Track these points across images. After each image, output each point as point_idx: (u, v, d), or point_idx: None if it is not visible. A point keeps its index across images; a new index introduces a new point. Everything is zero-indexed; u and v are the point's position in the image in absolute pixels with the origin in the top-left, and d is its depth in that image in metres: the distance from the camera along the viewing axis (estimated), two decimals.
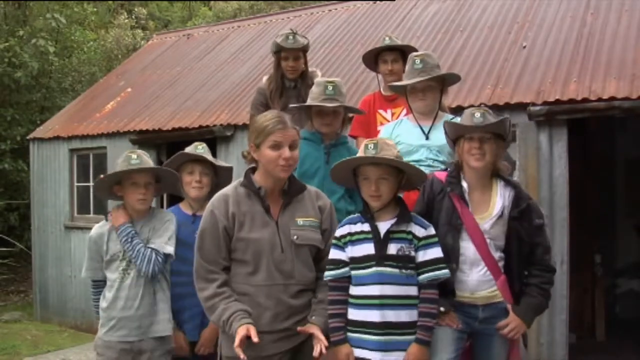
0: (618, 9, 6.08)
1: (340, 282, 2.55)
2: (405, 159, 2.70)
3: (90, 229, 3.13)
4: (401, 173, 2.55)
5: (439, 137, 3.02)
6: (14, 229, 10.63)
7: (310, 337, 2.51)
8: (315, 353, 2.42)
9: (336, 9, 8.99)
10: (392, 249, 2.49)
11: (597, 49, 5.59)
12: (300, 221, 2.58)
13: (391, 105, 3.79)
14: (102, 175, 3.10)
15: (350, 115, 3.83)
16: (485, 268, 2.62)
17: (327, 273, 2.55)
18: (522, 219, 2.64)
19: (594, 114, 5.08)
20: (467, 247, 2.62)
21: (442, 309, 2.57)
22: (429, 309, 2.49)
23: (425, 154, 3.15)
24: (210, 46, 9.49)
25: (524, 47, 6.06)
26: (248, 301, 2.52)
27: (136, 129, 7.56)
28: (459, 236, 2.62)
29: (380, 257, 2.48)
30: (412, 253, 2.50)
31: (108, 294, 2.99)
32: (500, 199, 2.65)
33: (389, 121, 3.68)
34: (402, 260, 2.48)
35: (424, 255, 2.51)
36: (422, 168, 2.77)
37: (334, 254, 2.57)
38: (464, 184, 2.66)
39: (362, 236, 2.54)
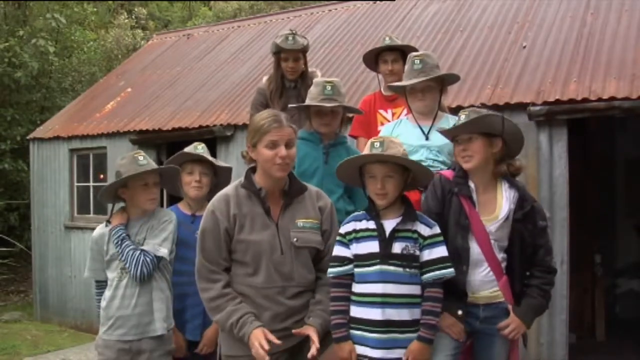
0: (618, 9, 6.08)
1: (344, 279, 2.55)
2: None
3: (90, 228, 3.14)
4: (407, 171, 2.55)
5: (438, 137, 3.02)
6: (14, 229, 10.63)
7: (309, 336, 2.51)
8: (309, 355, 2.42)
9: (336, 9, 8.99)
10: (397, 247, 2.49)
11: (597, 49, 5.59)
12: (300, 223, 2.58)
13: (392, 105, 3.79)
14: (107, 176, 3.09)
15: (351, 115, 3.84)
16: (489, 268, 2.63)
17: (330, 270, 2.55)
18: (527, 221, 2.65)
19: (594, 114, 5.07)
20: (472, 248, 2.62)
21: (459, 312, 2.59)
22: (433, 307, 2.49)
23: (425, 154, 3.16)
24: (210, 46, 9.49)
25: (524, 47, 6.06)
26: (247, 302, 2.52)
27: (136, 129, 7.56)
28: (467, 237, 2.62)
29: (385, 256, 2.48)
30: (417, 252, 2.50)
31: (107, 293, 3.00)
32: (506, 201, 2.65)
33: (389, 121, 3.69)
34: (407, 259, 2.49)
35: (429, 254, 2.51)
36: None
37: (338, 250, 2.56)
38: (471, 185, 2.67)
39: (367, 234, 2.54)
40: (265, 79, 4.11)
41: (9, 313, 8.76)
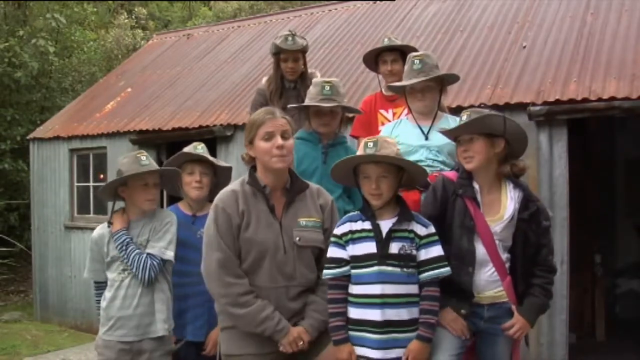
0: (618, 9, 6.08)
1: (341, 280, 2.54)
2: None
3: (90, 228, 3.15)
4: (401, 171, 2.55)
5: (438, 137, 3.02)
6: (14, 229, 10.63)
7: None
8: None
9: (336, 9, 8.99)
10: (394, 248, 2.49)
11: (597, 49, 5.59)
12: (302, 222, 2.57)
13: (392, 105, 3.80)
14: (107, 175, 3.10)
15: (351, 115, 3.84)
16: (494, 269, 2.63)
17: (326, 272, 2.54)
18: (531, 221, 2.65)
19: (594, 114, 5.07)
20: (478, 248, 2.63)
21: (463, 311, 2.59)
22: (431, 306, 2.49)
23: (425, 154, 3.15)
24: (210, 46, 9.49)
25: (524, 47, 6.06)
26: None
27: (136, 129, 7.56)
28: (472, 238, 2.62)
29: (382, 256, 2.48)
30: (414, 252, 2.50)
31: (107, 293, 3.00)
32: (511, 202, 2.65)
33: (390, 121, 3.69)
34: (404, 259, 2.48)
35: (426, 254, 2.51)
36: None
37: (334, 252, 2.54)
38: (476, 186, 2.66)
39: (363, 234, 2.53)
40: (264, 79, 4.11)
41: (9, 313, 8.76)
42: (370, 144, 2.50)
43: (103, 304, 3.01)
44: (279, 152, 2.49)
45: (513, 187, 2.69)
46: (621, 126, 6.89)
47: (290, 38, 3.82)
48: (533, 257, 2.68)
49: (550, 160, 5.15)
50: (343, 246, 2.54)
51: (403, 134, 3.19)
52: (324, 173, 3.17)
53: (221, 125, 6.83)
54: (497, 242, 2.63)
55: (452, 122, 3.09)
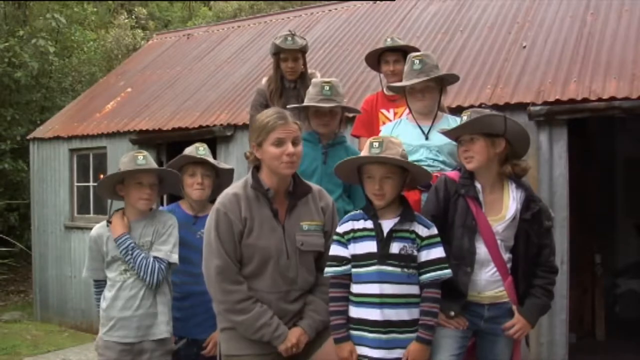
0: (618, 9, 6.08)
1: (342, 279, 2.54)
2: None
3: (90, 229, 3.13)
4: (406, 172, 2.54)
5: (438, 137, 3.02)
6: (14, 229, 10.63)
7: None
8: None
9: (336, 9, 8.99)
10: (395, 247, 2.48)
11: (597, 49, 5.59)
12: (305, 226, 2.56)
13: (394, 105, 3.80)
14: (106, 174, 3.10)
15: (351, 115, 3.84)
16: (495, 269, 2.63)
17: (328, 270, 2.54)
18: (533, 221, 2.65)
19: (594, 114, 5.07)
20: (479, 248, 2.62)
21: (451, 313, 2.58)
22: (431, 308, 2.49)
23: (425, 153, 3.16)
24: (210, 46, 9.49)
25: (524, 47, 6.06)
26: None
27: (136, 129, 7.56)
28: (474, 238, 2.62)
29: (382, 256, 2.48)
30: (415, 252, 2.50)
31: (108, 293, 2.99)
32: (513, 202, 2.65)
33: (391, 121, 3.69)
34: (404, 260, 2.48)
35: (427, 255, 2.50)
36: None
37: (336, 250, 2.54)
38: (478, 185, 2.66)
39: (364, 233, 2.53)
40: (264, 79, 4.11)
41: (9, 313, 8.77)
42: (376, 144, 2.50)
43: (103, 304, 3.01)
44: (289, 159, 2.47)
45: (515, 187, 2.69)
46: (621, 126, 6.88)
47: (289, 38, 3.82)
48: (535, 257, 2.68)
49: (550, 160, 5.15)
50: (345, 244, 2.54)
51: (403, 134, 3.19)
52: (323, 173, 3.17)
53: (221, 125, 6.83)
54: (498, 241, 2.63)
55: (453, 122, 3.09)
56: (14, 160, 10.33)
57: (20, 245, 8.72)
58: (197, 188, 3.18)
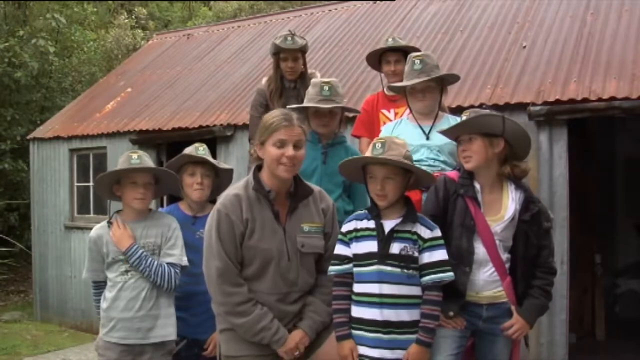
0: (618, 9, 6.08)
1: (345, 277, 2.55)
2: None
3: (90, 229, 3.12)
4: (409, 173, 2.54)
5: (439, 137, 3.02)
6: (14, 229, 10.63)
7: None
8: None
9: (336, 9, 8.99)
10: (395, 248, 2.49)
11: (597, 49, 5.59)
12: (306, 227, 2.56)
13: (394, 105, 3.80)
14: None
15: (352, 115, 3.84)
16: (493, 269, 2.63)
17: (331, 268, 2.55)
18: (532, 222, 2.65)
19: (594, 114, 5.07)
20: (478, 248, 2.63)
21: (450, 313, 2.58)
22: (432, 311, 2.48)
23: (426, 153, 3.16)
24: (210, 46, 9.49)
25: (524, 47, 6.06)
26: None
27: (136, 129, 7.56)
28: (472, 238, 2.62)
29: (382, 256, 2.48)
30: (416, 254, 2.49)
31: (108, 294, 2.98)
32: (512, 202, 2.65)
33: (392, 121, 3.68)
34: (405, 260, 2.48)
35: (429, 257, 2.50)
36: (423, 168, 2.77)
37: (339, 249, 2.57)
38: (477, 185, 2.67)
39: (366, 233, 2.54)
40: (264, 79, 4.11)
41: (9, 313, 8.76)
42: (378, 145, 2.51)
43: (104, 304, 3.00)
44: (288, 162, 2.46)
45: (514, 188, 2.69)
46: (621, 126, 6.88)
47: (289, 37, 3.82)
48: (534, 258, 2.68)
49: (550, 160, 5.15)
50: (347, 244, 2.56)
51: (404, 134, 3.19)
52: (323, 173, 3.17)
53: (221, 125, 6.83)
54: (497, 242, 2.63)
55: (453, 122, 3.07)
56: (14, 160, 10.33)
57: (20, 245, 8.72)
58: (197, 188, 3.17)
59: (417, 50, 3.67)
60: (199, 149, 3.23)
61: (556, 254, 4.80)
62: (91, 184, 8.21)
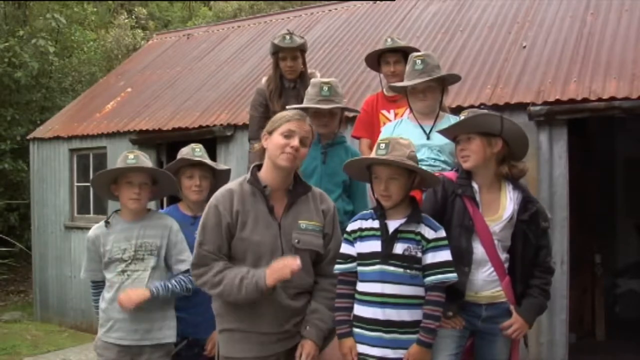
0: (618, 9, 6.08)
1: (348, 276, 2.56)
2: None
3: (90, 229, 3.12)
4: (413, 173, 2.55)
5: (439, 137, 3.02)
6: (14, 229, 10.62)
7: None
8: None
9: (336, 9, 8.99)
10: (399, 248, 2.49)
11: (597, 49, 5.59)
12: (303, 224, 2.56)
13: (394, 105, 3.80)
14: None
15: (352, 115, 3.83)
16: (492, 269, 2.64)
17: (336, 267, 2.57)
18: (531, 222, 2.65)
19: (594, 114, 5.07)
20: (476, 248, 2.63)
21: (449, 313, 2.58)
22: (433, 311, 2.48)
23: (427, 153, 3.16)
24: (210, 46, 9.49)
25: (524, 47, 6.06)
26: (245, 304, 2.50)
27: (136, 129, 7.56)
28: (471, 238, 2.62)
29: (386, 256, 2.49)
30: (419, 254, 2.50)
31: (107, 294, 2.98)
32: (510, 202, 2.65)
33: (391, 121, 3.68)
34: (408, 261, 2.48)
35: (433, 258, 2.50)
36: (423, 168, 2.77)
37: (343, 248, 2.59)
38: (475, 185, 2.67)
39: (370, 232, 2.55)
40: (264, 79, 4.11)
41: (9, 313, 8.76)
42: (382, 145, 2.52)
43: (102, 304, 3.00)
44: (291, 152, 2.48)
45: (512, 188, 2.69)
46: (621, 126, 6.88)
47: (288, 37, 3.82)
48: (532, 258, 2.68)
49: (550, 160, 5.15)
50: (352, 243, 2.57)
51: (404, 134, 3.17)
52: (323, 173, 3.17)
53: (221, 125, 6.83)
54: (496, 242, 2.63)
55: (454, 122, 3.08)
56: (14, 160, 10.33)
57: (20, 245, 8.72)
58: (195, 190, 3.18)
59: (416, 50, 3.66)
60: (195, 150, 3.23)
61: (556, 254, 4.84)
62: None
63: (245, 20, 10.48)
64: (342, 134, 3.43)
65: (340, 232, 2.67)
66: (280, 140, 2.50)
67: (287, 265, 2.38)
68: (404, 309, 2.47)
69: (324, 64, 7.24)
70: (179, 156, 3.24)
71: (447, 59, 6.25)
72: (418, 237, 2.51)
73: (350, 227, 2.60)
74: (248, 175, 2.58)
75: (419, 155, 3.09)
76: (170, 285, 2.93)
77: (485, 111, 2.73)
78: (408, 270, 2.48)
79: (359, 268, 2.54)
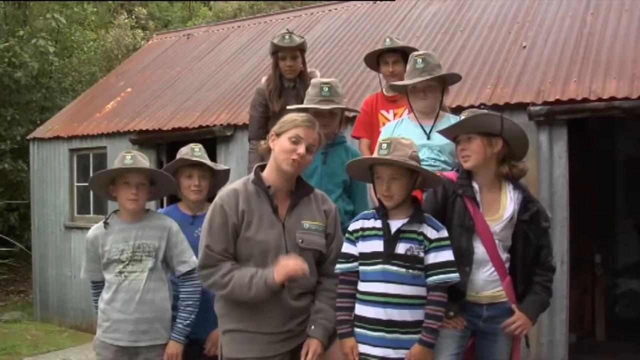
0: (618, 9, 6.07)
1: (350, 276, 2.57)
2: None
3: (90, 229, 3.12)
4: (415, 173, 2.55)
5: (440, 137, 3.02)
6: (14, 229, 10.62)
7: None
8: None
9: (336, 9, 8.99)
10: (401, 248, 2.49)
11: (597, 49, 5.59)
12: (306, 224, 2.57)
13: (393, 105, 3.80)
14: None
15: (352, 115, 3.83)
16: (493, 269, 2.64)
17: (337, 266, 2.58)
18: (532, 222, 2.66)
19: (594, 114, 5.07)
20: (477, 248, 2.63)
21: (451, 313, 2.58)
22: (435, 311, 2.48)
23: (427, 153, 3.16)
24: (210, 46, 9.49)
25: (524, 47, 6.05)
26: (250, 304, 2.51)
27: (136, 129, 7.56)
28: (471, 238, 2.62)
29: (388, 255, 2.49)
30: (421, 254, 2.50)
31: (105, 295, 2.98)
32: (511, 202, 2.66)
33: (390, 121, 3.68)
34: (410, 260, 2.48)
35: (435, 258, 2.50)
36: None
37: (345, 247, 2.59)
38: (475, 185, 2.67)
39: (372, 232, 2.55)
40: (264, 79, 4.11)
41: (9, 313, 8.76)
42: (384, 146, 2.52)
43: (101, 305, 3.00)
44: (297, 158, 2.50)
45: (513, 188, 2.70)
46: (621, 126, 6.88)
47: (287, 36, 3.82)
48: (533, 258, 2.68)
49: (550, 160, 5.15)
50: (353, 242, 2.58)
51: (404, 134, 3.18)
52: (323, 173, 3.17)
53: (221, 125, 6.83)
54: (496, 241, 2.64)
55: (454, 121, 3.08)
56: (14, 160, 10.33)
57: (20, 245, 8.72)
58: (194, 190, 3.18)
59: (415, 50, 3.67)
60: (194, 150, 3.23)
61: (556, 254, 4.83)
62: None
63: (245, 20, 10.48)
64: (343, 134, 3.42)
65: (342, 232, 2.68)
66: (287, 145, 2.51)
67: (297, 263, 2.40)
68: (406, 309, 2.48)
69: (324, 64, 7.24)
70: (178, 156, 3.24)
71: (447, 59, 6.25)
72: (420, 237, 2.51)
73: (352, 226, 2.60)
74: (252, 176, 2.60)
75: (419, 155, 3.10)
76: (189, 320, 2.98)
77: (486, 111, 2.73)
78: (410, 270, 2.48)
79: (361, 268, 2.55)
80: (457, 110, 4.43)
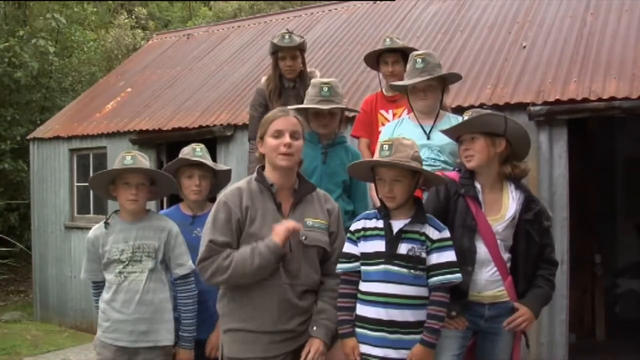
0: (618, 9, 6.08)
1: (351, 275, 2.57)
2: None
3: (90, 229, 3.11)
4: (417, 173, 2.55)
5: (440, 136, 3.02)
6: (14, 229, 10.63)
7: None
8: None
9: (336, 9, 8.99)
10: (403, 248, 2.49)
11: (597, 49, 5.59)
12: (309, 222, 2.58)
13: (393, 105, 3.80)
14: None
15: (352, 114, 3.83)
16: (495, 268, 2.64)
17: (339, 266, 2.58)
18: (534, 221, 2.66)
19: (594, 114, 5.07)
20: (479, 247, 2.63)
21: (453, 313, 2.58)
22: (437, 312, 2.48)
23: (427, 153, 3.15)
24: (210, 46, 9.49)
25: (524, 47, 6.05)
26: (251, 300, 2.51)
27: (136, 129, 7.56)
28: (474, 238, 2.62)
29: (390, 256, 2.49)
30: (423, 254, 2.50)
31: (105, 295, 2.97)
32: (513, 202, 2.66)
33: (389, 121, 3.68)
34: (412, 261, 2.48)
35: (437, 258, 2.50)
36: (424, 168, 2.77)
37: (346, 247, 2.59)
38: (477, 185, 2.67)
39: (374, 232, 2.55)
40: (264, 79, 4.11)
41: (9, 313, 8.76)
42: (386, 147, 2.51)
43: (101, 305, 2.99)
44: (286, 150, 2.50)
45: (514, 188, 2.70)
46: (621, 126, 6.88)
47: (287, 36, 3.82)
48: (536, 257, 2.69)
49: (550, 160, 5.15)
50: (355, 242, 2.58)
51: (404, 134, 3.18)
52: (323, 173, 3.17)
53: (221, 125, 6.83)
54: (498, 241, 2.64)
55: (455, 121, 3.08)
56: (14, 160, 10.33)
57: (20, 245, 8.73)
58: (195, 190, 3.17)
59: (415, 50, 3.66)
60: (196, 150, 3.22)
61: (556, 254, 4.82)
62: None
63: (245, 20, 10.48)
64: (342, 134, 3.42)
65: (344, 232, 2.68)
66: (272, 142, 2.53)
67: (292, 223, 2.43)
68: (407, 310, 2.47)
69: (324, 64, 7.24)
70: (180, 156, 3.24)
71: (447, 59, 6.25)
72: (422, 238, 2.51)
73: (354, 226, 2.60)
74: (255, 175, 2.61)
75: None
76: (192, 326, 3.00)
77: (489, 111, 2.73)
78: (412, 271, 2.48)
79: (363, 268, 2.54)
80: (457, 110, 4.43)
